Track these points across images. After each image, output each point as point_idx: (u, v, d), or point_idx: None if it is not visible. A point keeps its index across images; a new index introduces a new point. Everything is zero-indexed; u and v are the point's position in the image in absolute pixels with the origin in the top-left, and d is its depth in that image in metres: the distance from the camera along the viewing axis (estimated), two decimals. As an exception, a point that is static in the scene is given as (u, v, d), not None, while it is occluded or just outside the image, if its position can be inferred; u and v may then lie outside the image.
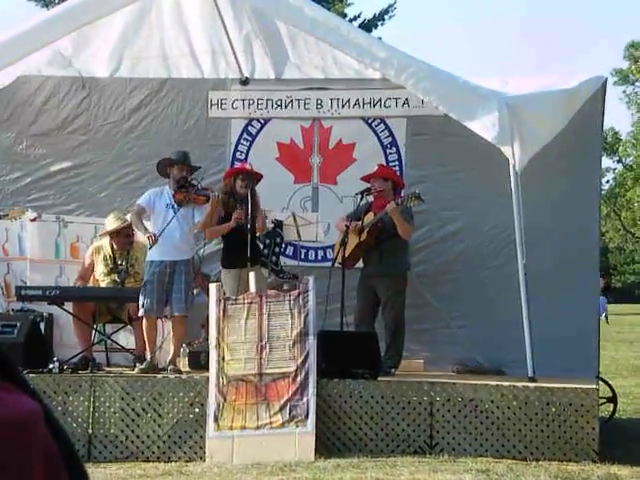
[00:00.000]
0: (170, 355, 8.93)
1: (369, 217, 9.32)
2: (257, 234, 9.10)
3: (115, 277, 9.50)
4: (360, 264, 9.44)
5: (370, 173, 9.48)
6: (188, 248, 9.05)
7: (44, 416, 0.97)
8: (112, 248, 9.55)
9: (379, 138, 10.32)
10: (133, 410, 8.36)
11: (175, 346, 8.97)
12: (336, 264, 9.29)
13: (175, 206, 8.98)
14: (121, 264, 9.49)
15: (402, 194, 9.28)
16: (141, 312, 8.85)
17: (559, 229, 9.48)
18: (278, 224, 9.48)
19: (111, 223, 9.57)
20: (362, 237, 9.26)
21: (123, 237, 9.49)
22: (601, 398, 8.86)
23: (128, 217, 9.43)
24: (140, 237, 9.38)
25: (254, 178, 9.14)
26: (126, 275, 9.49)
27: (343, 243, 9.23)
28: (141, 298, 8.81)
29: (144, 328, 8.93)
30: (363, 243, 9.27)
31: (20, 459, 0.93)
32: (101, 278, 9.59)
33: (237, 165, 10.02)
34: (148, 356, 8.86)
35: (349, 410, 8.24)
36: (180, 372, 8.68)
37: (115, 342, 9.55)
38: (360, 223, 9.26)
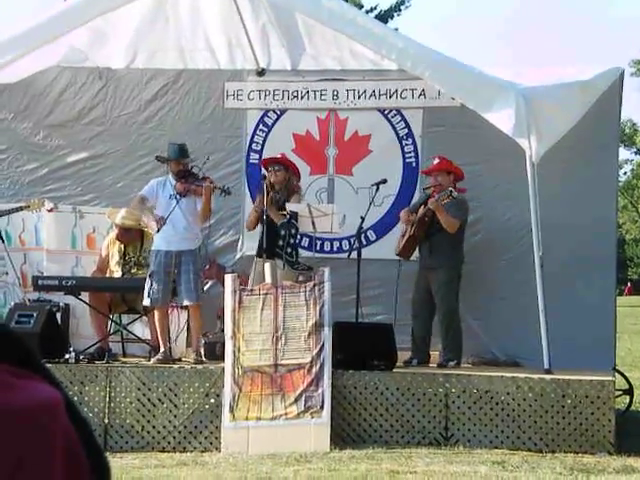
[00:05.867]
0: (193, 345, 9.01)
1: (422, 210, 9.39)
2: (278, 222, 9.17)
3: (126, 268, 9.56)
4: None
5: (431, 167, 9.53)
6: (193, 238, 9.10)
7: (65, 404, 0.97)
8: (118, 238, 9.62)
9: (395, 129, 10.29)
10: (149, 400, 8.39)
11: (195, 336, 9.02)
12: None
13: (178, 197, 9.03)
14: (132, 256, 9.55)
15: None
16: (147, 302, 8.89)
17: (576, 221, 9.44)
18: (293, 215, 9.48)
19: (120, 217, 9.59)
20: (412, 230, 9.31)
21: (125, 231, 9.55)
22: (617, 390, 8.84)
23: (142, 218, 9.51)
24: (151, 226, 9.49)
25: (283, 165, 9.36)
26: (130, 267, 9.54)
27: (404, 235, 9.40)
28: (147, 287, 8.85)
29: (156, 319, 8.97)
30: (413, 236, 9.32)
31: (42, 446, 0.94)
32: (115, 269, 9.66)
33: (253, 158, 10.00)
34: (162, 347, 8.89)
35: (364, 401, 8.24)
36: (202, 362, 8.72)
37: (131, 332, 9.58)
38: (415, 216, 9.34)
